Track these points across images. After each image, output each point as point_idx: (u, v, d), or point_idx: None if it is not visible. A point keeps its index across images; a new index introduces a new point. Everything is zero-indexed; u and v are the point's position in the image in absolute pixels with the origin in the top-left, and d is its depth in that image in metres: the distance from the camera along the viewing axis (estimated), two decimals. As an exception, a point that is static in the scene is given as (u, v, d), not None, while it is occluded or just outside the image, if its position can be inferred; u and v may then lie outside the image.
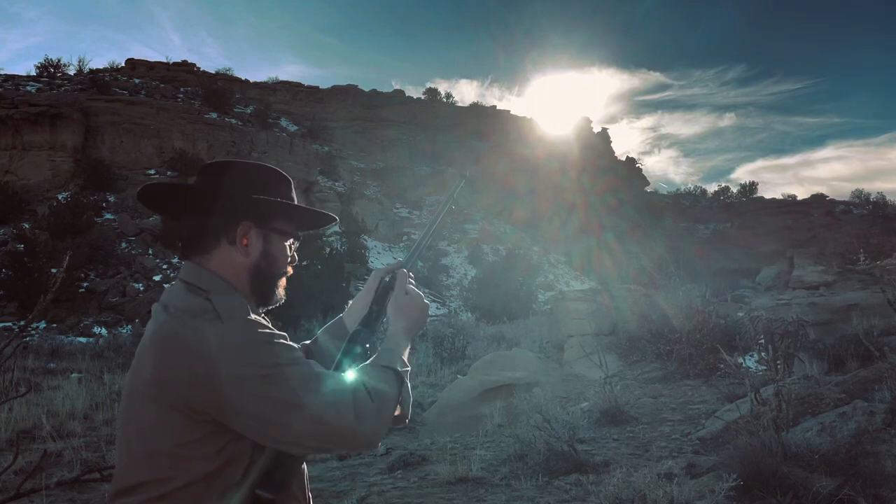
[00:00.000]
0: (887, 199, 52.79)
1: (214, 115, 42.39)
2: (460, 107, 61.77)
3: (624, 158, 61.41)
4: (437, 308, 29.11)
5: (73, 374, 10.95)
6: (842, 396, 5.65)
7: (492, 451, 5.86)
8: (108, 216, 31.38)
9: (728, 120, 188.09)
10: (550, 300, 17.45)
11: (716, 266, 36.22)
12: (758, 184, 63.67)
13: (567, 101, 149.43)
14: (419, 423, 7.62)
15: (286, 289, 1.42)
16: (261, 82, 55.98)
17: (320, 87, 56.92)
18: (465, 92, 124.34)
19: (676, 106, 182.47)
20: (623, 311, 11.33)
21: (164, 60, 51.86)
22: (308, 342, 1.57)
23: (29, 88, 39.02)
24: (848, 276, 15.59)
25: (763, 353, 5.74)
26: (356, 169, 48.08)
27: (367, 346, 1.41)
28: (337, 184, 43.72)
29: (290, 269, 1.41)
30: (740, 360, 8.11)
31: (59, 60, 45.49)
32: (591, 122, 62.69)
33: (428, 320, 1.53)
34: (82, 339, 19.25)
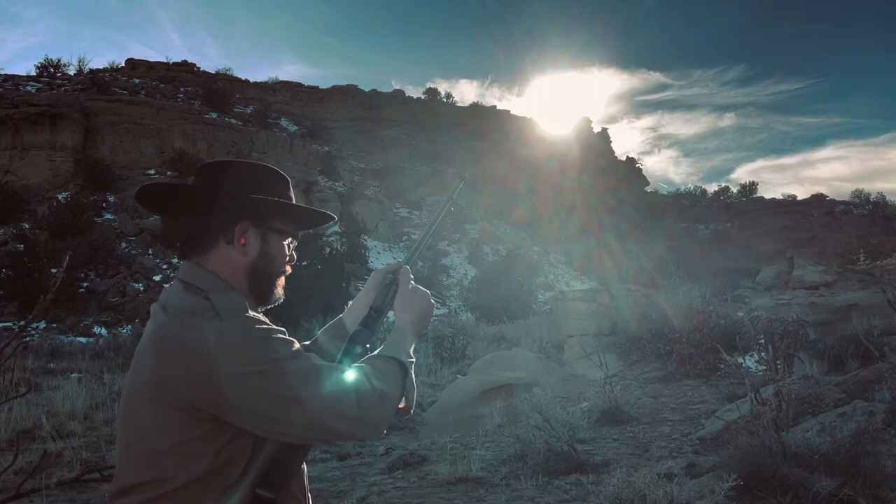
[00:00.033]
0: (887, 199, 52.88)
1: (214, 115, 42.39)
2: (460, 107, 61.80)
3: (624, 158, 61.45)
4: (437, 308, 29.10)
5: (73, 374, 10.94)
6: (842, 396, 5.65)
7: (492, 451, 5.86)
8: (108, 216, 31.38)
9: (728, 120, 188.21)
10: (550, 300, 17.45)
11: (716, 266, 36.22)
12: (758, 184, 63.77)
13: (567, 101, 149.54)
14: (419, 423, 7.62)
15: (285, 288, 1.41)
16: (261, 82, 56.02)
17: (320, 87, 56.99)
18: (465, 92, 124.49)
19: (676, 106, 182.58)
20: (623, 311, 11.33)
21: (164, 60, 51.91)
22: (308, 343, 1.56)
23: (29, 88, 39.03)
24: (848, 276, 15.59)
25: (763, 353, 5.74)
26: (356, 169, 48.08)
27: (368, 346, 1.41)
28: (337, 184, 43.73)
29: (288, 269, 1.41)
30: (740, 360, 8.11)
31: (59, 60, 45.55)
32: (591, 122, 62.77)
33: (432, 318, 1.54)
34: (82, 339, 19.25)
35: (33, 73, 44.36)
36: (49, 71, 44.52)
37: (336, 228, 36.38)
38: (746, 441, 4.45)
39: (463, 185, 1.79)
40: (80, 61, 54.92)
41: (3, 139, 33.23)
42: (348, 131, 53.10)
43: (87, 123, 35.87)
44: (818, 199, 56.19)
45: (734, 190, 65.39)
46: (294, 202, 1.39)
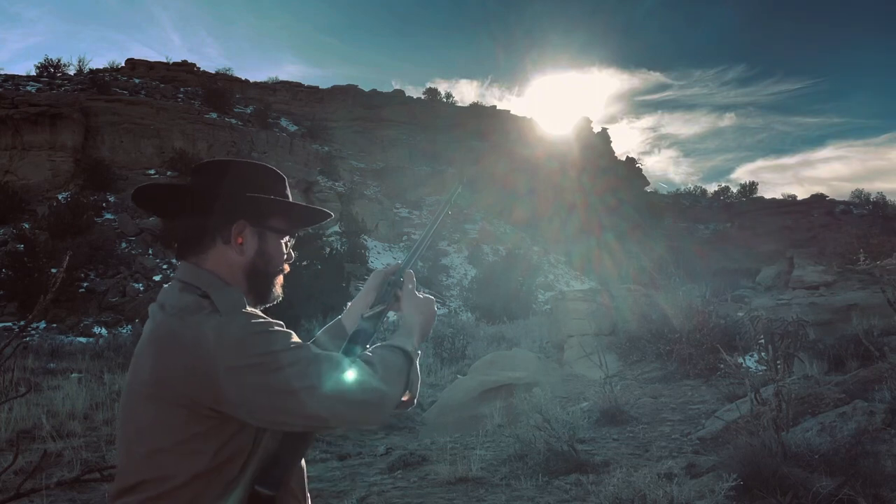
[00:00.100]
0: (887, 199, 52.74)
1: (214, 115, 42.39)
2: (460, 107, 61.79)
3: (624, 158, 61.44)
4: (437, 307, 29.07)
5: (73, 374, 10.93)
6: (842, 396, 5.65)
7: (492, 451, 5.86)
8: (108, 216, 31.38)
9: (728, 120, 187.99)
10: (550, 300, 17.45)
11: (716, 266, 36.24)
12: (758, 184, 63.71)
13: (567, 101, 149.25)
14: (419, 423, 7.62)
15: (284, 287, 1.42)
16: (261, 82, 56.02)
17: (320, 87, 56.98)
18: (465, 92, 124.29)
19: (676, 106, 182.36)
20: (623, 311, 11.34)
21: (164, 60, 51.90)
22: (308, 343, 1.56)
23: (29, 88, 39.02)
24: (848, 276, 15.59)
25: (763, 353, 5.74)
26: (356, 169, 48.08)
27: (368, 345, 1.41)
28: (337, 184, 43.73)
29: (286, 267, 1.41)
30: (740, 360, 8.11)
31: (59, 60, 45.53)
32: (591, 122, 62.77)
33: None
34: (82, 339, 19.24)
35: (33, 73, 44.40)
36: (49, 71, 44.52)
37: (336, 228, 36.40)
38: (746, 441, 4.46)
39: (462, 188, 1.79)
40: (80, 61, 54.98)
41: (3, 139, 33.24)
42: (348, 131, 53.10)
43: (87, 123, 35.88)
44: (818, 199, 56.18)
45: (734, 190, 65.45)
46: (291, 201, 1.39)
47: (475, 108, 61.64)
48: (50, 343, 15.76)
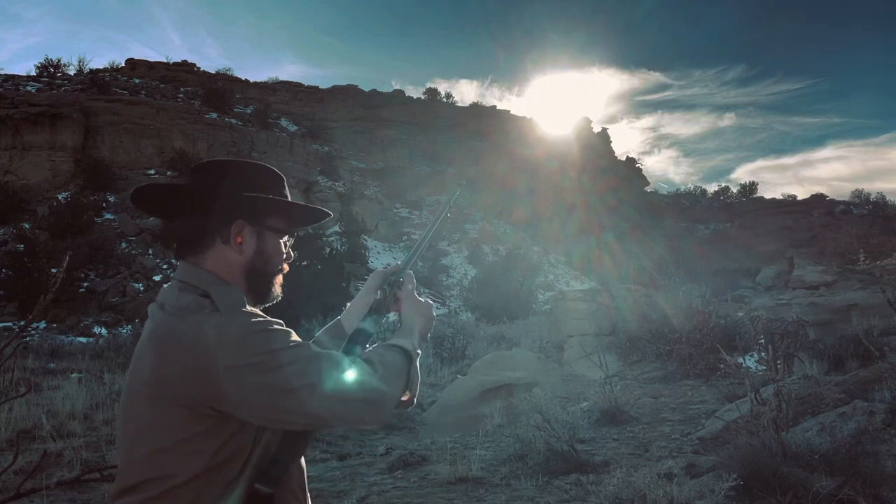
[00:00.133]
0: (887, 199, 52.73)
1: (214, 115, 42.39)
2: (460, 107, 61.80)
3: (624, 158, 61.44)
4: (437, 308, 29.02)
5: (73, 374, 10.93)
6: (842, 396, 5.65)
7: (492, 451, 5.86)
8: (108, 216, 31.38)
9: (728, 120, 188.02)
10: (550, 300, 17.45)
11: (716, 266, 36.24)
12: (758, 184, 63.69)
13: (567, 101, 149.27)
14: (419, 423, 7.62)
15: (283, 287, 1.42)
16: (261, 82, 56.01)
17: (320, 87, 56.99)
18: (465, 92, 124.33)
19: (676, 106, 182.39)
20: (623, 311, 11.34)
21: (164, 60, 51.91)
22: (308, 342, 1.56)
23: (29, 88, 39.02)
24: (848, 276, 15.59)
25: (763, 353, 5.74)
26: (356, 169, 48.08)
27: (368, 345, 1.41)
28: (337, 184, 43.73)
29: (286, 267, 1.41)
30: (740, 360, 8.11)
31: (59, 60, 45.53)
32: (591, 122, 62.77)
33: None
34: (82, 339, 19.24)
35: (33, 73, 44.41)
36: (49, 71, 44.52)
37: (336, 228, 36.41)
38: (746, 441, 4.46)
39: (461, 191, 1.80)
40: (80, 61, 55.00)
41: (3, 139, 33.24)
42: (348, 131, 53.10)
43: (87, 123, 35.88)
44: (818, 199, 56.17)
45: (734, 190, 65.45)
46: (290, 200, 1.39)
47: (475, 108, 61.64)
48: (50, 343, 15.76)
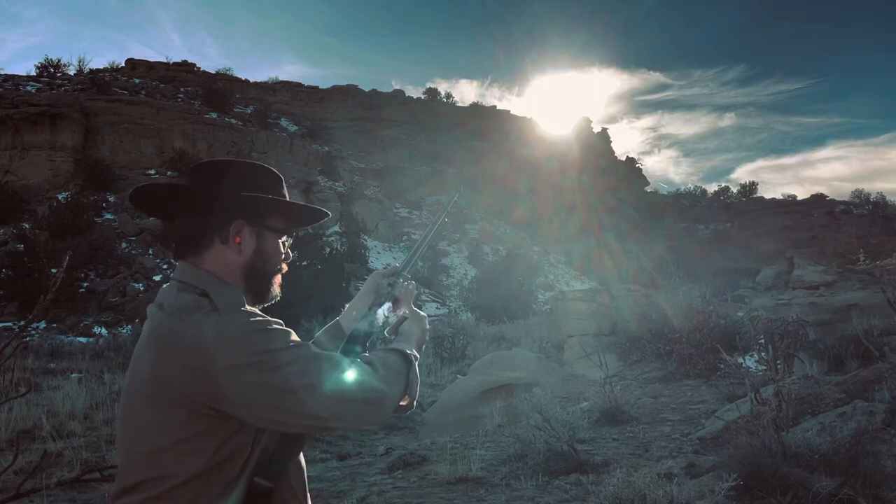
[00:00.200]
0: (887, 199, 52.76)
1: (214, 115, 42.40)
2: (460, 107, 61.81)
3: (624, 158, 61.46)
4: (437, 308, 29.11)
5: (73, 374, 10.93)
6: (842, 396, 5.65)
7: (492, 451, 5.86)
8: (108, 216, 31.39)
9: (728, 120, 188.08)
10: (550, 300, 17.45)
11: (716, 266, 36.24)
12: (758, 184, 63.70)
13: (567, 101, 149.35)
14: (419, 423, 7.62)
15: (282, 287, 1.42)
16: (261, 82, 56.02)
17: (320, 87, 57.02)
18: (465, 92, 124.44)
19: (676, 106, 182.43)
20: (623, 311, 11.33)
21: (164, 60, 51.92)
22: (307, 342, 1.56)
23: (29, 88, 39.03)
24: (848, 276, 15.58)
25: (763, 353, 5.74)
26: (356, 169, 48.08)
27: (367, 344, 1.42)
28: (337, 184, 43.73)
29: (284, 267, 1.41)
30: (740, 360, 8.11)
31: (59, 60, 45.56)
32: (591, 122, 62.79)
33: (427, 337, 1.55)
34: (82, 339, 19.24)
35: (33, 73, 44.42)
36: (49, 71, 44.53)
37: (336, 228, 36.41)
38: (746, 441, 4.46)
39: (458, 196, 1.80)
40: (80, 61, 55.06)
41: (3, 139, 33.24)
42: (348, 131, 53.10)
43: (87, 123, 35.88)
44: (818, 199, 56.17)
45: (734, 190, 65.45)
46: (288, 200, 1.39)
47: (475, 108, 61.65)
48: (50, 343, 15.76)
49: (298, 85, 56.63)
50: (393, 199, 46.05)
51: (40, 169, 32.98)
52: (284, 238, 1.41)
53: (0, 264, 23.36)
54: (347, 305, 1.62)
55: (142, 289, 25.23)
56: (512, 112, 63.08)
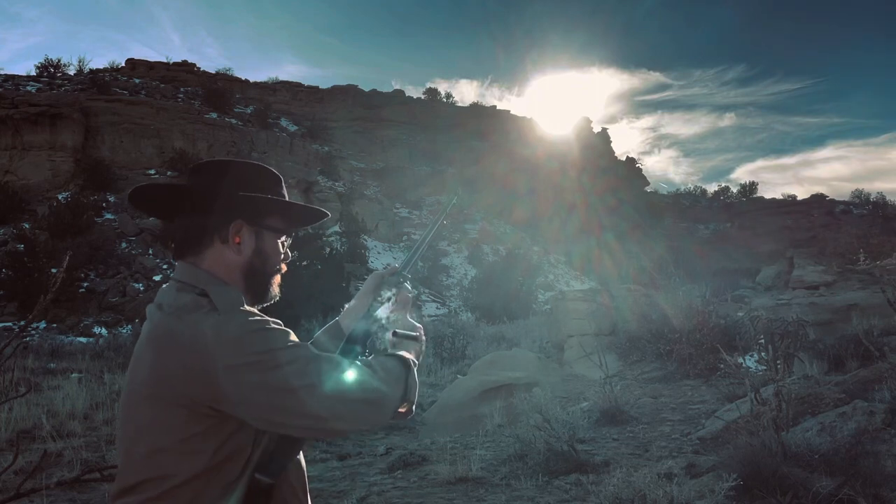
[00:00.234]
0: (887, 199, 52.69)
1: (214, 115, 42.40)
2: (460, 107, 61.81)
3: (624, 158, 61.45)
4: (437, 308, 29.11)
5: (73, 374, 10.93)
6: (842, 396, 5.65)
7: (492, 451, 5.86)
8: (108, 216, 31.39)
9: (728, 120, 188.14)
10: (550, 300, 17.45)
11: (716, 266, 36.24)
12: (758, 184, 63.67)
13: (567, 101, 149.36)
14: (419, 423, 7.62)
15: (282, 287, 1.42)
16: (261, 82, 56.01)
17: (320, 87, 57.01)
18: (465, 92, 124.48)
19: (676, 106, 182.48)
20: (623, 311, 11.33)
21: (164, 60, 51.91)
22: (308, 343, 1.56)
23: (29, 88, 39.02)
24: (848, 276, 15.59)
25: (763, 353, 5.74)
26: (356, 169, 48.08)
27: (367, 343, 1.42)
28: (337, 184, 43.73)
29: (283, 266, 1.41)
30: (740, 360, 8.11)
31: (59, 60, 45.54)
32: (591, 122, 62.78)
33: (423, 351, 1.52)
34: (82, 339, 19.24)
35: (33, 73, 44.41)
36: (49, 71, 44.53)
37: (336, 228, 36.41)
38: (746, 441, 4.46)
39: (457, 200, 1.80)
40: (80, 61, 55.08)
41: (3, 139, 33.24)
42: (348, 131, 53.10)
43: (87, 123, 35.88)
44: (818, 199, 56.16)
45: (734, 190, 65.42)
46: (287, 199, 1.40)
47: (475, 108, 61.65)
48: (50, 343, 15.77)
49: (298, 85, 56.64)
50: (393, 199, 46.04)
51: (40, 169, 32.99)
52: (284, 238, 1.41)
53: (0, 264, 23.36)
54: (347, 305, 1.62)
55: (142, 289, 25.23)
56: (512, 112, 63.16)
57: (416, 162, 53.13)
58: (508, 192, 48.27)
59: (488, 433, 6.66)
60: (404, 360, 1.32)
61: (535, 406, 5.51)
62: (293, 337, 1.22)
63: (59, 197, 31.52)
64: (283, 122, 50.33)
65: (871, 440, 4.49)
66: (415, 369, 1.34)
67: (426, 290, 31.52)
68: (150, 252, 28.48)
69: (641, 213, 51.13)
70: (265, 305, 1.39)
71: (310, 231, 23.75)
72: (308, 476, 1.37)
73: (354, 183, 44.96)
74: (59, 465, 5.82)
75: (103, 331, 21.42)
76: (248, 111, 47.87)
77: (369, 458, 6.09)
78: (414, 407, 1.34)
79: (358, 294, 1.60)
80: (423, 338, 1.50)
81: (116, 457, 1.26)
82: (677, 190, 70.94)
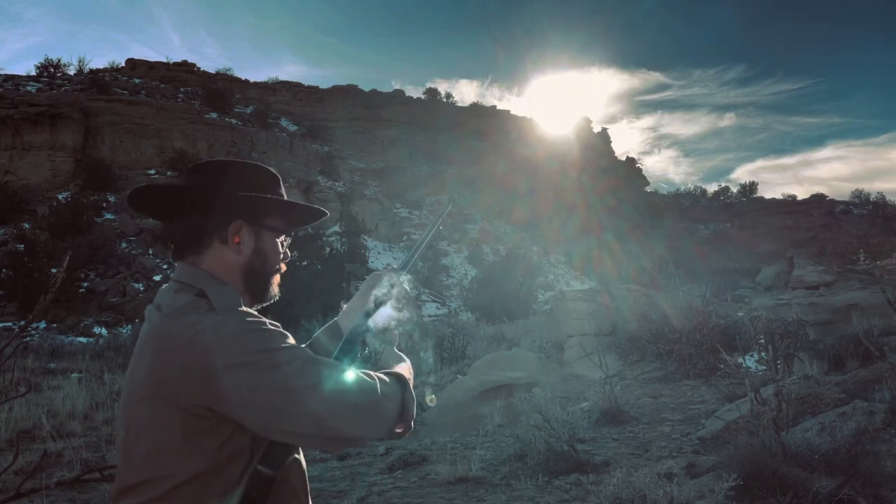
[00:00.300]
0: (887, 199, 52.78)
1: (214, 115, 42.42)
2: (460, 107, 61.83)
3: (624, 158, 61.46)
4: (437, 308, 29.11)
5: (73, 374, 10.94)
6: (842, 396, 5.65)
7: (492, 451, 5.86)
8: (108, 216, 31.40)
9: (728, 120, 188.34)
10: (550, 300, 17.44)
11: (716, 266, 36.24)
12: (758, 184, 63.69)
13: (567, 101, 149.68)
14: (419, 423, 7.61)
15: (282, 286, 1.42)
16: (261, 82, 56.05)
17: (320, 87, 57.06)
18: (465, 92, 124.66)
19: (676, 106, 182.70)
20: (623, 311, 11.33)
21: (164, 60, 51.96)
22: (307, 343, 1.56)
23: (29, 88, 39.04)
24: (848, 276, 15.58)
25: (763, 353, 5.74)
26: (356, 169, 48.09)
27: (366, 342, 1.41)
28: (337, 184, 43.74)
29: (283, 266, 1.41)
30: (740, 360, 8.11)
31: (59, 60, 45.61)
32: (591, 122, 62.79)
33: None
34: (82, 339, 19.25)
35: (33, 73, 44.45)
36: (49, 71, 44.55)
37: (336, 228, 36.41)
38: (746, 441, 4.46)
39: (451, 207, 1.79)
40: (80, 61, 55.12)
41: (3, 139, 33.25)
42: (348, 131, 53.11)
43: (87, 123, 35.90)
44: (818, 199, 56.17)
45: (734, 190, 65.46)
46: (286, 199, 1.39)
47: (475, 108, 61.67)
48: (50, 343, 15.77)
49: (298, 85, 56.66)
50: (393, 199, 46.04)
51: (40, 169, 33.00)
52: (283, 238, 1.41)
53: (0, 264, 23.37)
54: (346, 305, 1.62)
55: (142, 289, 25.24)
56: (512, 112, 63.22)
57: (416, 162, 53.14)
58: (508, 192, 48.28)
59: (488, 433, 6.66)
60: (399, 375, 1.31)
61: (535, 406, 5.51)
62: (291, 339, 1.22)
63: (59, 197, 31.53)
64: (283, 122, 50.35)
65: (871, 440, 4.49)
66: (410, 385, 1.33)
67: (426, 290, 31.52)
68: (150, 252, 28.48)
69: (641, 213, 51.13)
70: (265, 305, 1.39)
71: (310, 231, 23.77)
72: (308, 476, 1.36)
73: (354, 183, 44.97)
74: (59, 465, 5.82)
75: (103, 331, 21.43)
76: (248, 111, 47.89)
77: (369, 458, 6.09)
78: (412, 424, 1.32)
79: (357, 294, 1.60)
80: (411, 369, 1.45)
81: (116, 457, 1.26)
82: (677, 190, 71.04)
